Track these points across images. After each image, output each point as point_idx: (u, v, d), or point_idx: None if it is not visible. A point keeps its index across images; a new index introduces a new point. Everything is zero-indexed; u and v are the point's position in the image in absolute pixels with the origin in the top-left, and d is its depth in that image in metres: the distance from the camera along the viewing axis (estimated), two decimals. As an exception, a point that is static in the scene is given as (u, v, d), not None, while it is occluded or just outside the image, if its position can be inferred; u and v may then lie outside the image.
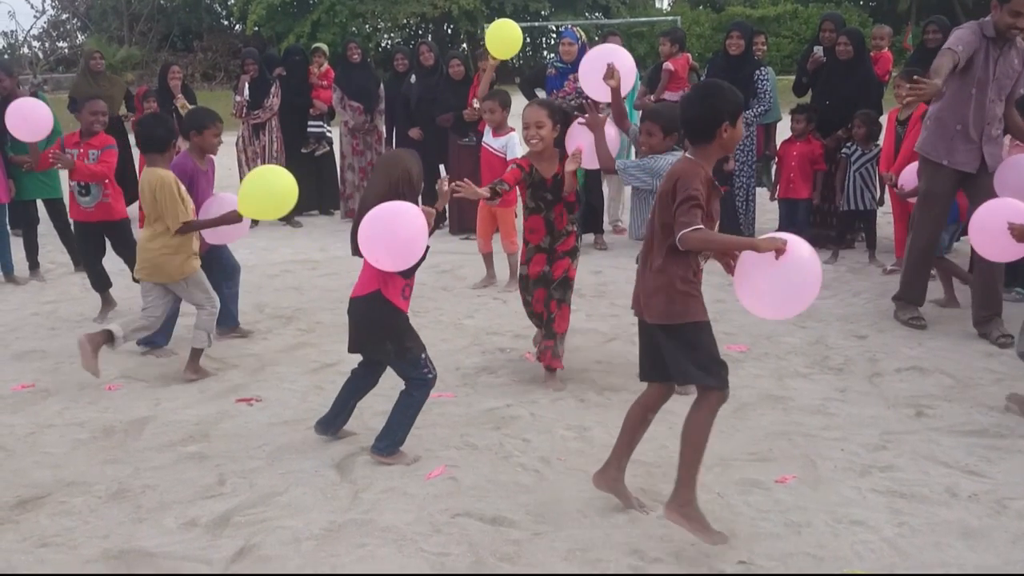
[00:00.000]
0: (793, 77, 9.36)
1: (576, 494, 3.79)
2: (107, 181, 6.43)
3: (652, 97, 8.70)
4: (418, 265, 3.93)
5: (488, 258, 7.42)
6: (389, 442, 4.08)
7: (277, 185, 5.04)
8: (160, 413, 4.79)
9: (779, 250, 3.20)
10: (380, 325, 4.02)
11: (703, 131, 3.34)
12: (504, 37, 6.61)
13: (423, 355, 4.08)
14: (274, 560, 3.35)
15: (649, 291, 3.44)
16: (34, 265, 7.90)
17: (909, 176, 6.58)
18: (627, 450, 3.69)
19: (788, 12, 36.51)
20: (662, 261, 3.39)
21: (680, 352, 3.40)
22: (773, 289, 3.35)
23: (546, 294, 5.10)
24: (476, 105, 8.97)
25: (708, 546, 3.36)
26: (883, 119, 7.89)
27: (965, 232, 5.71)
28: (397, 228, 3.77)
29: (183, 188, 5.26)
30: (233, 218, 5.30)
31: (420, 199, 4.06)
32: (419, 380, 4.07)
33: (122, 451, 4.34)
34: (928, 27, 8.39)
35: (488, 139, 7.38)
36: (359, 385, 4.33)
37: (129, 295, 6.75)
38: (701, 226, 3.23)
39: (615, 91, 4.99)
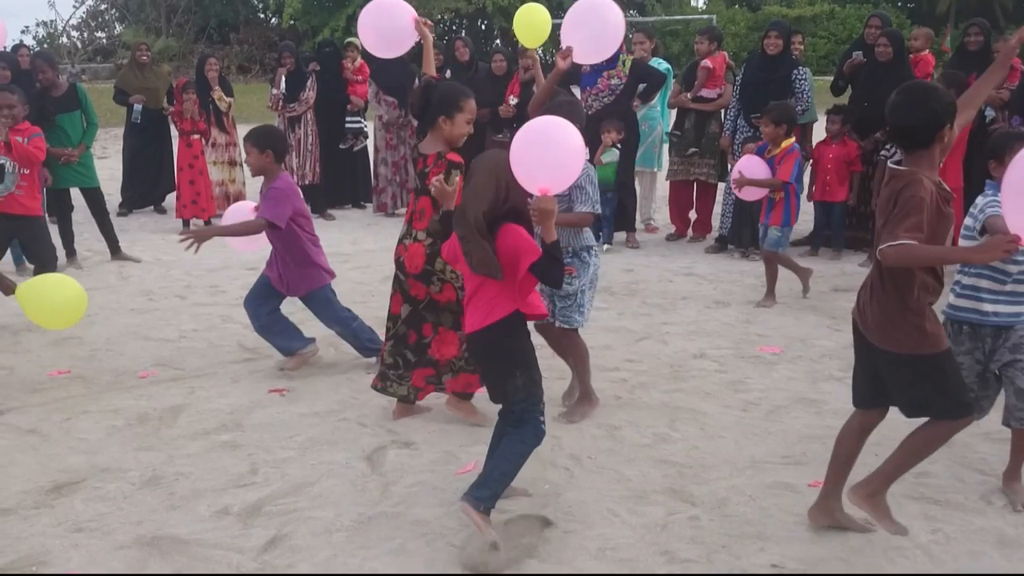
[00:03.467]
0: (829, 78, 9.29)
1: (606, 492, 3.78)
2: (26, 172, 6.13)
3: (688, 95, 8.66)
4: None
5: None
6: (490, 493, 3.33)
7: (59, 298, 4.84)
8: (194, 401, 4.84)
9: (1010, 252, 2.92)
10: (511, 353, 3.42)
11: (923, 139, 3.09)
12: (530, 23, 6.51)
13: (542, 396, 3.50)
14: (304, 551, 3.37)
15: (876, 313, 3.21)
16: (71, 253, 7.98)
17: (746, 165, 6.67)
18: (842, 478, 3.47)
19: (825, 12, 36.21)
20: (884, 281, 3.17)
21: (911, 385, 3.22)
22: None
23: (411, 310, 4.44)
24: (512, 102, 8.97)
25: (740, 549, 3.34)
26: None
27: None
28: (560, 138, 3.29)
29: None
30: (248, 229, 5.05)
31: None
32: (536, 425, 3.44)
33: (156, 438, 4.38)
34: (969, 29, 8.28)
35: None
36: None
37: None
38: (906, 240, 2.97)
39: (556, 72, 4.73)
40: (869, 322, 3.24)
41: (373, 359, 5.12)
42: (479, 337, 3.44)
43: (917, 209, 2.98)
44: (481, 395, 4.23)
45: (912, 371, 3.18)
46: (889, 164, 3.25)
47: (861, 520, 3.46)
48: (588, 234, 4.51)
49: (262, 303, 5.20)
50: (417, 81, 10.18)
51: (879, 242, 3.05)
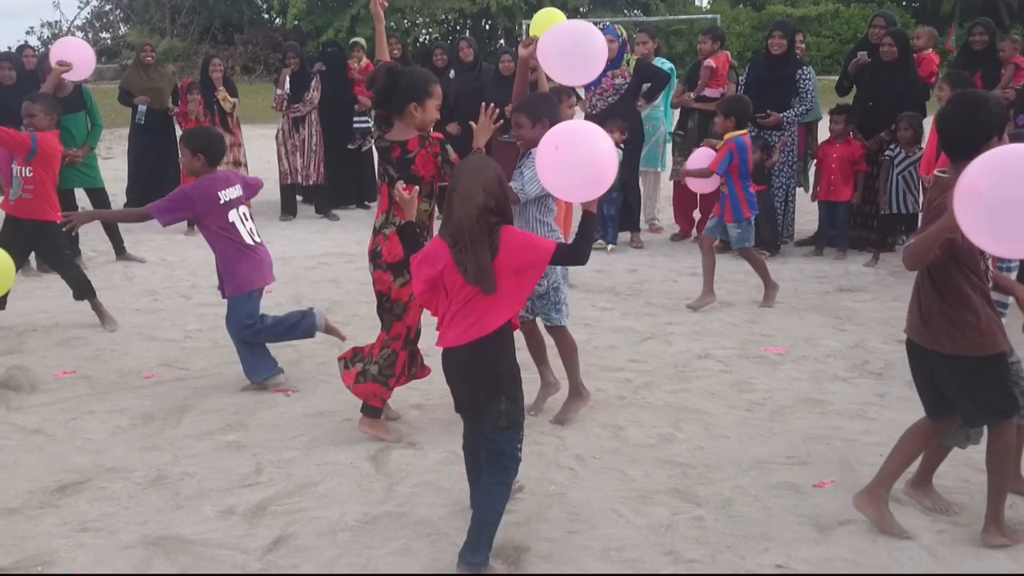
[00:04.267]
0: (833, 77, 9.28)
1: (611, 493, 3.78)
2: (29, 175, 5.98)
3: (692, 95, 8.66)
4: None
5: None
6: (485, 547, 3.14)
7: None
8: (199, 401, 4.84)
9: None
10: (500, 375, 3.16)
11: (968, 149, 3.03)
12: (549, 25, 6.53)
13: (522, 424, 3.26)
14: (309, 551, 3.38)
15: (925, 314, 3.25)
16: (75, 253, 7.99)
17: (695, 156, 6.78)
18: (899, 473, 3.55)
19: (829, 12, 36.12)
20: (933, 282, 3.21)
21: (964, 388, 3.25)
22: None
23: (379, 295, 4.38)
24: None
25: (744, 549, 3.34)
26: (927, 122, 7.79)
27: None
28: (593, 143, 3.28)
29: None
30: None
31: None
32: (514, 455, 3.21)
33: (161, 438, 4.39)
34: (974, 29, 8.26)
35: None
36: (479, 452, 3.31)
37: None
38: (911, 241, 3.08)
39: (522, 62, 4.66)
40: (926, 331, 3.25)
41: (252, 384, 5.03)
42: (464, 352, 3.14)
43: (938, 216, 3.01)
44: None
45: (971, 373, 3.22)
46: (935, 172, 3.27)
47: (898, 527, 3.45)
48: (557, 230, 4.49)
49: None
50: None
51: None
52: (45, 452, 4.25)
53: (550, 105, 4.38)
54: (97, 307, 6.23)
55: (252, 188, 5.26)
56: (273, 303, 6.75)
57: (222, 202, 4.87)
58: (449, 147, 4.13)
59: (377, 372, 4.26)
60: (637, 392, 4.94)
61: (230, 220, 4.90)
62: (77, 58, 6.87)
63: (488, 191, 3.09)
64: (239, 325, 4.98)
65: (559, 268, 4.52)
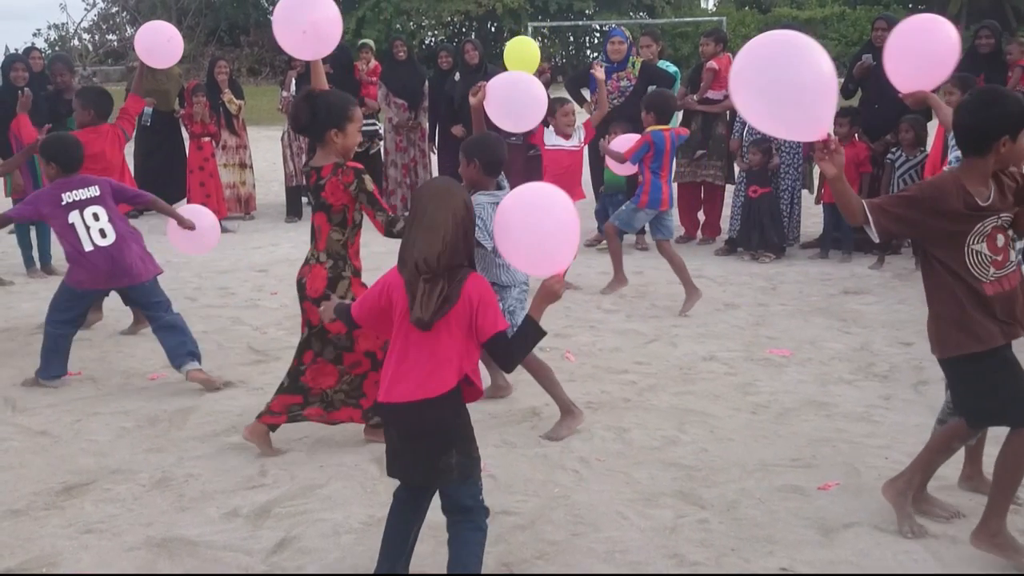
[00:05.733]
0: (839, 80, 9.25)
1: (615, 495, 3.78)
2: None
3: (694, 97, 8.65)
4: None
5: None
6: None
7: None
8: (203, 403, 4.85)
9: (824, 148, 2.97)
10: (448, 431, 2.86)
11: (978, 143, 3.04)
12: (521, 56, 6.72)
13: (480, 472, 2.99)
14: (313, 553, 3.38)
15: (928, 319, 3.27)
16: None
17: (618, 140, 6.85)
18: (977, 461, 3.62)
19: (835, 14, 36.09)
20: (924, 281, 3.25)
21: (963, 390, 3.25)
22: None
23: (304, 336, 4.16)
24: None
25: (749, 552, 3.33)
26: (931, 125, 7.77)
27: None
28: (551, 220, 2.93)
29: None
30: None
31: None
32: (481, 505, 2.96)
33: (166, 440, 4.40)
34: (981, 31, 8.25)
35: (557, 140, 7.00)
36: (411, 516, 3.09)
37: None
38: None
39: (474, 110, 4.84)
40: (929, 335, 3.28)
41: (38, 379, 5.14)
42: (412, 411, 2.82)
43: (903, 192, 3.12)
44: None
45: (957, 374, 3.25)
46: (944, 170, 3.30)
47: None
48: (516, 273, 4.41)
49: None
50: (426, 85, 10.25)
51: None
52: (50, 453, 4.26)
53: (483, 147, 4.36)
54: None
55: (126, 194, 5.40)
56: (278, 304, 6.78)
57: (64, 203, 5.02)
58: (367, 177, 3.95)
59: (345, 397, 4.15)
60: (642, 394, 4.94)
61: (70, 222, 5.02)
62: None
63: (459, 226, 2.78)
64: (51, 309, 5.16)
65: (514, 292, 4.46)
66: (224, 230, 6.96)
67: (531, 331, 2.90)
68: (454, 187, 2.92)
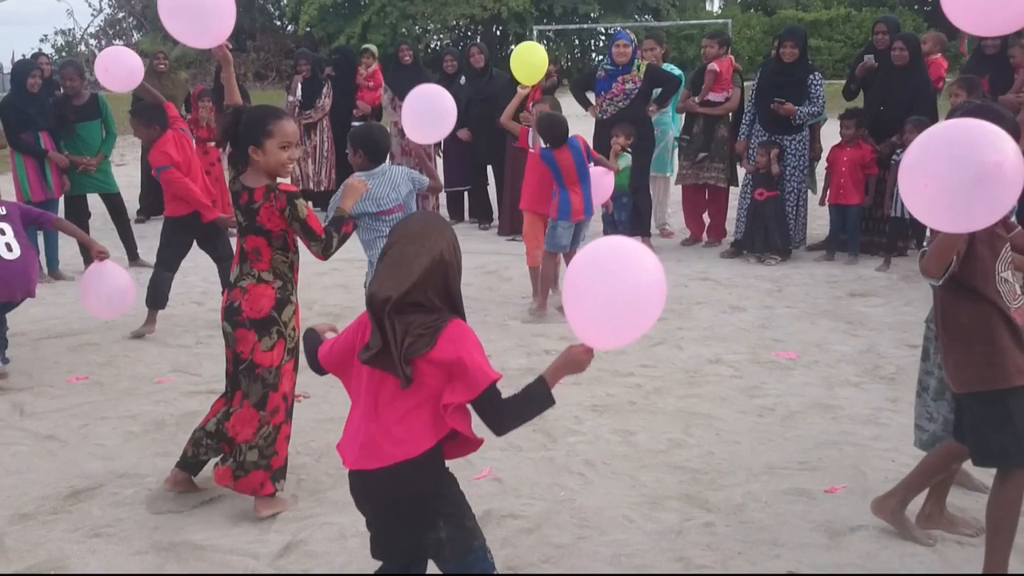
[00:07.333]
0: (843, 81, 9.25)
1: (621, 498, 3.78)
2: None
3: (696, 99, 8.65)
4: None
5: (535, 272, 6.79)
6: None
7: None
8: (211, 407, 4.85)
9: None
10: (430, 497, 2.51)
11: None
12: (528, 62, 6.61)
13: (483, 541, 2.60)
14: (319, 556, 3.39)
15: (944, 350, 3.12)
16: (88, 260, 8.04)
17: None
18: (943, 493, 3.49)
19: (840, 16, 36.05)
20: (939, 311, 3.10)
21: (979, 424, 3.06)
22: None
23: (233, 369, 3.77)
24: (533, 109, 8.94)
25: (755, 555, 3.33)
26: (938, 126, 7.76)
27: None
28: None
29: None
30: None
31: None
32: (488, 565, 2.59)
33: (173, 444, 4.40)
34: (987, 33, 8.22)
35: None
36: None
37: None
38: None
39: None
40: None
41: None
42: (378, 478, 2.46)
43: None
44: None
45: (973, 409, 3.07)
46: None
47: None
48: None
49: None
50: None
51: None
52: (58, 458, 4.27)
53: (367, 137, 4.97)
54: (153, 316, 6.36)
55: (31, 215, 5.52)
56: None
57: None
58: (299, 202, 3.60)
59: (258, 457, 3.68)
60: (648, 397, 4.94)
61: None
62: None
63: (433, 258, 2.43)
64: None
65: None
66: (232, 235, 6.96)
67: (540, 397, 2.49)
68: (435, 225, 2.54)
